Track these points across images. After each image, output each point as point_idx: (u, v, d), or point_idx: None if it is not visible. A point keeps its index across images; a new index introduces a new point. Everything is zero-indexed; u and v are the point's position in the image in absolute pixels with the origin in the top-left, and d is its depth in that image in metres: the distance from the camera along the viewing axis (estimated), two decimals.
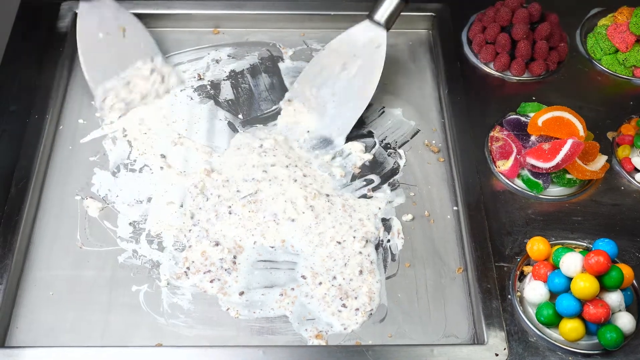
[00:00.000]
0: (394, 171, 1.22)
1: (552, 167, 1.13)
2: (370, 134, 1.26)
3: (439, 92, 1.32)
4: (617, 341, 0.97)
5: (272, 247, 1.12)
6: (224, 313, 1.05)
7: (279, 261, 1.10)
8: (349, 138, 1.25)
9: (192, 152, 1.22)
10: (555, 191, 1.17)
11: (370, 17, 1.24)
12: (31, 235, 1.12)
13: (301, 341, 1.03)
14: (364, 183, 1.20)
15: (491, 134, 1.22)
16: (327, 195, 1.17)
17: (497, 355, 1.00)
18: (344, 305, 1.06)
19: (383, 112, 1.30)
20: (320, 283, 1.08)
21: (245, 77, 1.34)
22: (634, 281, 1.05)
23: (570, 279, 0.98)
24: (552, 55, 1.32)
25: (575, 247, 1.08)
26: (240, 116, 1.28)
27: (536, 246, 1.04)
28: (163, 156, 1.21)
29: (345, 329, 1.04)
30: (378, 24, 1.24)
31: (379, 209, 1.16)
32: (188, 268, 1.09)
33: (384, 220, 1.15)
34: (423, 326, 1.05)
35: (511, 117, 1.23)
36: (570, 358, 1.00)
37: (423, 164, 1.23)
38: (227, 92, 1.31)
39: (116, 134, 1.24)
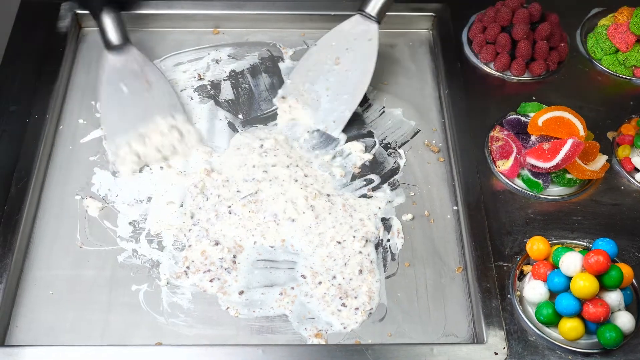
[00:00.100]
0: (394, 171, 1.22)
1: (552, 167, 1.13)
2: (370, 134, 1.26)
3: (439, 92, 1.32)
4: (616, 340, 0.97)
5: (272, 247, 1.12)
6: (224, 312, 1.05)
7: (279, 260, 1.10)
8: (349, 138, 1.25)
9: (192, 152, 1.22)
10: (555, 191, 1.17)
11: (361, 10, 1.26)
12: (31, 235, 1.12)
13: (301, 340, 1.03)
14: (364, 183, 1.20)
15: (491, 133, 1.22)
16: (328, 195, 1.17)
17: (496, 354, 0.99)
18: (343, 305, 1.06)
19: (383, 112, 1.30)
20: (320, 282, 1.08)
21: (245, 77, 1.34)
22: (634, 280, 1.04)
23: (569, 279, 0.98)
24: (553, 55, 1.32)
25: (575, 247, 1.08)
26: (240, 116, 1.28)
27: (536, 246, 1.04)
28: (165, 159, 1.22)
29: (344, 328, 1.04)
30: (369, 17, 1.25)
31: (379, 208, 1.16)
32: (188, 267, 1.09)
33: (383, 219, 1.15)
34: (423, 325, 1.05)
35: (511, 117, 1.23)
36: (569, 357, 1.00)
37: (423, 164, 1.23)
38: (227, 92, 1.31)
39: None
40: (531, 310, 1.03)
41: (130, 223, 1.14)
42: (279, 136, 1.24)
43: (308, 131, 1.26)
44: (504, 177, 1.18)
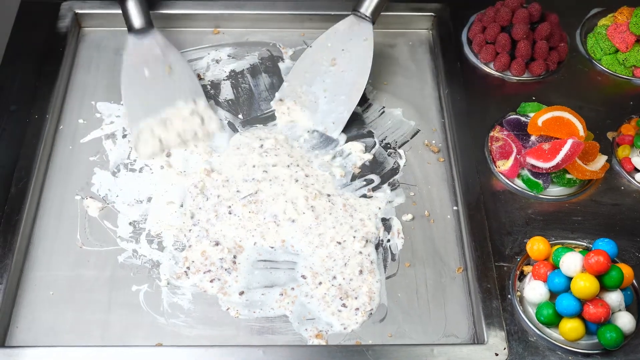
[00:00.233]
0: (394, 171, 1.22)
1: (552, 167, 1.13)
2: (370, 134, 1.26)
3: (439, 92, 1.32)
4: (617, 341, 0.97)
5: (272, 248, 1.12)
6: (224, 313, 1.05)
7: (279, 261, 1.10)
8: (349, 138, 1.25)
9: (192, 152, 1.22)
10: (555, 191, 1.17)
11: (355, 11, 1.26)
12: (31, 235, 1.12)
13: (301, 341, 1.03)
14: (364, 183, 1.20)
15: (491, 134, 1.22)
16: (329, 195, 1.17)
17: (497, 355, 1.00)
18: (344, 305, 1.06)
19: (383, 112, 1.30)
20: (320, 283, 1.08)
21: (245, 77, 1.34)
22: (634, 281, 1.05)
23: (570, 279, 0.98)
24: (552, 55, 1.32)
25: (575, 247, 1.08)
26: (240, 116, 1.28)
27: (536, 246, 1.04)
28: (168, 154, 1.21)
29: (345, 328, 1.04)
30: (364, 17, 1.26)
31: (379, 208, 1.16)
32: (188, 268, 1.09)
33: (384, 220, 1.15)
34: (423, 326, 1.05)
35: (511, 117, 1.23)
36: (570, 358, 1.00)
37: (423, 164, 1.23)
38: (227, 92, 1.31)
39: (116, 133, 1.24)
40: (531, 311, 1.03)
41: (130, 223, 1.14)
42: (279, 136, 1.24)
43: (308, 131, 1.26)
44: (504, 177, 1.18)
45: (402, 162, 1.23)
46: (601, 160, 1.18)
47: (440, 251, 1.12)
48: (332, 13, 1.38)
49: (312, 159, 1.22)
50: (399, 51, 1.39)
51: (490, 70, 1.33)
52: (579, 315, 0.98)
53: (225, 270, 1.09)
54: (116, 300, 1.06)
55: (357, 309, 1.05)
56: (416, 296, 1.08)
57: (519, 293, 1.05)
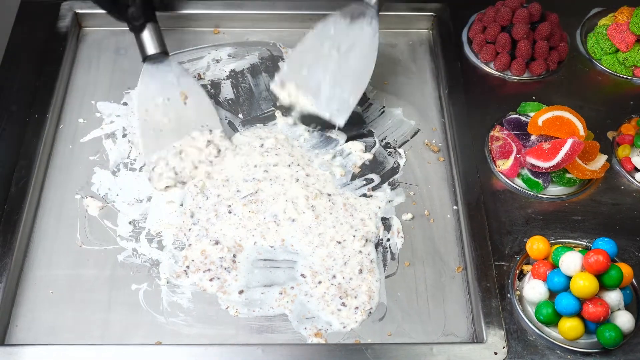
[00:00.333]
0: (394, 170, 1.22)
1: (552, 166, 1.13)
2: (370, 134, 1.26)
3: (439, 91, 1.32)
4: (616, 340, 0.97)
5: (272, 247, 1.12)
6: (224, 311, 1.05)
7: (279, 260, 1.11)
8: (349, 137, 1.25)
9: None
10: (555, 190, 1.17)
11: None
12: (31, 234, 1.12)
13: (300, 340, 1.03)
14: (364, 182, 1.20)
15: (491, 133, 1.22)
16: (329, 195, 1.17)
17: (496, 353, 0.99)
18: (343, 304, 1.06)
19: (383, 111, 1.30)
20: (320, 282, 1.08)
21: (245, 77, 1.34)
22: (634, 280, 1.05)
23: (569, 278, 0.98)
24: (553, 55, 1.32)
25: (574, 246, 1.08)
26: (240, 116, 1.28)
27: (536, 245, 1.04)
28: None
29: (344, 327, 1.04)
30: (367, 4, 1.23)
31: (379, 208, 1.16)
32: (188, 267, 1.09)
33: (383, 219, 1.15)
34: (422, 325, 1.05)
35: (511, 116, 1.23)
36: (569, 357, 1.00)
37: (423, 164, 1.23)
38: (227, 91, 1.32)
39: (116, 133, 1.24)
40: (531, 310, 1.03)
41: (130, 222, 1.14)
42: (280, 135, 1.24)
43: (308, 130, 1.26)
44: (504, 176, 1.18)
45: (402, 162, 1.23)
46: (601, 159, 1.18)
47: (440, 250, 1.12)
48: (332, 13, 1.38)
49: (313, 158, 1.22)
50: (399, 51, 1.39)
51: (490, 70, 1.33)
52: (578, 314, 0.98)
53: (225, 269, 1.09)
54: (116, 299, 1.06)
55: (357, 307, 1.05)
56: (416, 295, 1.08)
57: (518, 292, 1.05)
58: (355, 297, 1.06)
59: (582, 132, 1.16)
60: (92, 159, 1.21)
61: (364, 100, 1.31)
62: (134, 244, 1.12)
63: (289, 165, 1.20)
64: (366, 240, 1.12)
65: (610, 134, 1.24)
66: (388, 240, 1.13)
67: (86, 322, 1.04)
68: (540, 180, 1.16)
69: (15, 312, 1.05)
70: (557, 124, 1.17)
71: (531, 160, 1.15)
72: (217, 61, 1.36)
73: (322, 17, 1.37)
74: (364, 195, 1.18)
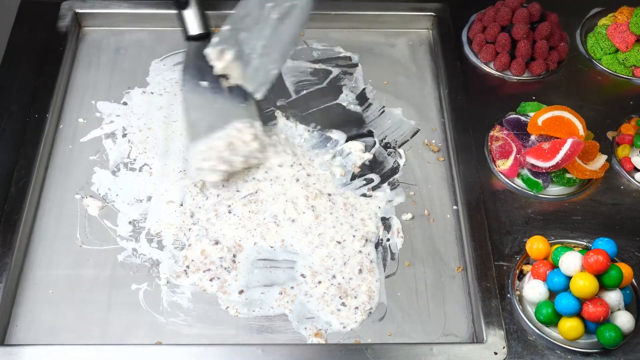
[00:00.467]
0: (394, 170, 1.22)
1: (552, 166, 1.13)
2: (370, 134, 1.26)
3: (439, 91, 1.32)
4: (616, 340, 0.97)
5: (272, 247, 1.12)
6: (224, 311, 1.05)
7: (279, 260, 1.11)
8: (349, 137, 1.25)
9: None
10: (554, 190, 1.17)
11: None
12: (31, 234, 1.12)
13: (300, 339, 1.03)
14: (364, 182, 1.20)
15: (491, 133, 1.22)
16: (329, 195, 1.17)
17: (496, 353, 1.00)
18: (343, 304, 1.06)
19: (383, 111, 1.30)
20: (320, 282, 1.08)
21: None
22: (633, 280, 1.05)
23: (569, 278, 0.98)
24: (552, 55, 1.32)
25: (574, 246, 1.08)
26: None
27: (536, 245, 1.04)
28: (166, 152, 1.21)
29: (344, 327, 1.04)
30: None
31: (379, 208, 1.16)
32: (188, 267, 1.09)
33: (383, 219, 1.15)
34: (422, 325, 1.05)
35: (511, 116, 1.23)
36: (569, 357, 1.00)
37: (423, 163, 1.23)
38: None
39: (116, 132, 1.24)
40: (531, 310, 1.03)
41: (130, 222, 1.14)
42: (280, 135, 1.24)
43: (308, 130, 1.26)
44: (504, 176, 1.18)
45: (402, 162, 1.23)
46: (601, 159, 1.18)
47: (439, 250, 1.12)
48: (332, 13, 1.38)
49: (313, 158, 1.22)
50: (399, 51, 1.39)
51: (490, 69, 1.33)
52: (578, 314, 0.98)
53: (225, 269, 1.09)
54: (116, 299, 1.06)
55: (357, 307, 1.05)
56: (415, 295, 1.08)
57: (518, 292, 1.05)
58: (355, 297, 1.06)
59: (581, 132, 1.16)
60: (92, 159, 1.21)
61: (364, 100, 1.31)
62: (134, 243, 1.12)
63: (291, 166, 1.20)
64: (366, 240, 1.12)
65: (610, 134, 1.24)
66: (388, 240, 1.13)
67: (86, 322, 1.04)
68: (540, 180, 1.16)
69: (15, 312, 1.05)
70: (557, 124, 1.17)
71: (531, 160, 1.15)
72: None
73: (321, 18, 1.38)
74: (364, 195, 1.18)
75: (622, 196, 1.17)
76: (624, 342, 1.00)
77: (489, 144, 1.21)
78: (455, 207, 1.17)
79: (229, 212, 1.14)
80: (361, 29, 1.41)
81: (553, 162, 1.12)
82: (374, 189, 1.19)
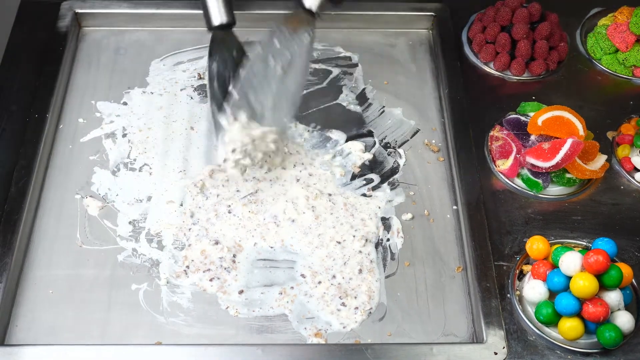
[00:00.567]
0: (394, 170, 1.22)
1: (552, 166, 1.13)
2: (370, 134, 1.26)
3: (439, 91, 1.32)
4: (616, 340, 0.97)
5: (272, 247, 1.12)
6: (224, 311, 1.05)
7: (279, 260, 1.11)
8: (349, 137, 1.25)
9: (192, 151, 1.22)
10: (554, 190, 1.17)
11: (300, 4, 1.13)
12: (31, 234, 1.12)
13: (300, 340, 1.03)
14: (364, 182, 1.20)
15: (491, 133, 1.22)
16: (330, 195, 1.17)
17: (496, 354, 1.00)
18: (343, 304, 1.06)
19: (383, 111, 1.30)
20: (320, 282, 1.08)
21: None
22: (633, 280, 1.05)
23: (569, 278, 0.98)
24: (552, 55, 1.32)
25: (574, 246, 1.08)
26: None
27: (535, 245, 1.04)
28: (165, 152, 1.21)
29: (344, 327, 1.04)
30: (309, 10, 1.13)
31: (379, 208, 1.16)
32: (187, 267, 1.09)
33: (383, 219, 1.15)
34: (422, 325, 1.05)
35: (511, 116, 1.23)
36: (569, 357, 1.00)
37: (423, 163, 1.23)
38: None
39: (116, 132, 1.24)
40: (531, 310, 1.03)
41: (130, 222, 1.14)
42: (291, 145, 1.24)
43: (308, 130, 1.26)
44: (504, 176, 1.18)
45: (401, 162, 1.23)
46: (601, 159, 1.18)
47: (439, 250, 1.12)
48: (332, 13, 1.37)
49: (314, 157, 1.22)
50: (399, 51, 1.39)
51: (490, 69, 1.33)
52: (578, 314, 0.98)
53: (225, 269, 1.09)
54: (116, 299, 1.06)
55: (357, 308, 1.05)
56: (415, 295, 1.08)
57: (518, 292, 1.05)
58: (355, 297, 1.06)
59: (581, 132, 1.16)
60: (92, 159, 1.21)
61: (364, 100, 1.31)
62: (134, 244, 1.12)
63: (294, 166, 1.20)
64: (366, 240, 1.12)
65: (610, 134, 1.24)
66: (388, 240, 1.13)
67: (86, 322, 1.04)
68: (540, 180, 1.16)
69: (15, 312, 1.05)
70: (557, 123, 1.17)
71: (531, 160, 1.15)
72: None
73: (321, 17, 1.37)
74: (364, 195, 1.18)
75: (622, 196, 1.17)
76: (624, 342, 1.00)
77: (489, 144, 1.21)
78: (455, 207, 1.17)
79: (229, 212, 1.14)
80: (361, 29, 1.41)
81: (553, 162, 1.13)
82: (374, 189, 1.19)
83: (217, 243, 1.11)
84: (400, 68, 1.36)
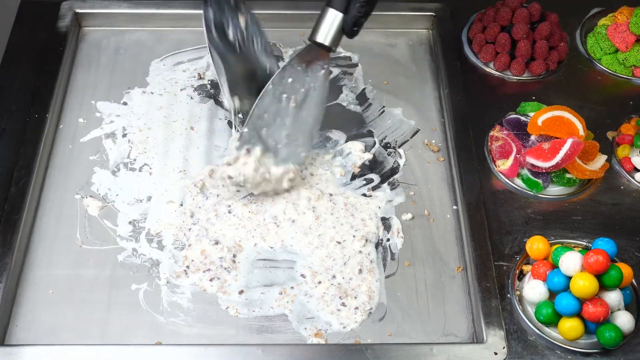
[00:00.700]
0: (394, 170, 1.22)
1: (552, 166, 1.13)
2: (370, 134, 1.26)
3: (439, 91, 1.32)
4: (616, 340, 0.97)
5: (272, 247, 1.12)
6: (224, 312, 1.05)
7: (279, 260, 1.10)
8: (349, 137, 1.25)
9: (192, 151, 1.22)
10: (554, 190, 1.17)
11: (312, 39, 1.10)
12: (31, 234, 1.12)
13: (300, 340, 1.03)
14: (364, 182, 1.20)
15: (491, 133, 1.22)
16: (330, 195, 1.17)
17: (496, 354, 0.99)
18: (343, 304, 1.06)
19: (383, 111, 1.30)
20: (320, 282, 1.08)
21: None
22: (633, 280, 1.05)
23: (569, 278, 0.98)
24: (552, 55, 1.32)
25: (574, 246, 1.08)
26: (240, 115, 1.28)
27: (535, 245, 1.04)
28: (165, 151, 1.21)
29: (344, 327, 1.04)
30: (322, 45, 1.09)
31: (379, 208, 1.16)
32: (188, 267, 1.09)
33: (383, 219, 1.15)
34: (422, 325, 1.05)
35: (511, 116, 1.23)
36: (569, 357, 1.00)
37: (423, 163, 1.23)
38: None
39: (116, 132, 1.24)
40: (531, 310, 1.03)
41: (130, 222, 1.14)
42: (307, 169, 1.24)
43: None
44: (504, 176, 1.18)
45: (401, 162, 1.23)
46: (601, 159, 1.19)
47: (439, 250, 1.12)
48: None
49: (314, 158, 1.22)
50: (399, 51, 1.39)
51: (490, 70, 1.33)
52: (578, 314, 0.98)
53: (225, 269, 1.09)
54: (116, 299, 1.06)
55: (357, 308, 1.05)
56: (415, 295, 1.08)
57: (518, 292, 1.05)
58: (355, 297, 1.06)
59: (581, 132, 1.16)
60: (92, 159, 1.21)
61: (364, 100, 1.31)
62: (134, 244, 1.12)
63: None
64: (366, 241, 1.12)
65: (610, 134, 1.24)
66: (388, 240, 1.13)
67: (86, 322, 1.04)
68: (540, 180, 1.16)
69: (15, 312, 1.04)
70: (557, 124, 1.17)
71: (531, 160, 1.15)
72: None
73: None
74: (364, 195, 1.18)
75: (622, 196, 1.18)
76: (624, 342, 1.00)
77: (489, 144, 1.21)
78: (455, 207, 1.17)
79: (229, 212, 1.14)
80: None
81: (553, 162, 1.13)
82: (374, 189, 1.19)
83: (217, 243, 1.11)
84: (400, 68, 1.37)
